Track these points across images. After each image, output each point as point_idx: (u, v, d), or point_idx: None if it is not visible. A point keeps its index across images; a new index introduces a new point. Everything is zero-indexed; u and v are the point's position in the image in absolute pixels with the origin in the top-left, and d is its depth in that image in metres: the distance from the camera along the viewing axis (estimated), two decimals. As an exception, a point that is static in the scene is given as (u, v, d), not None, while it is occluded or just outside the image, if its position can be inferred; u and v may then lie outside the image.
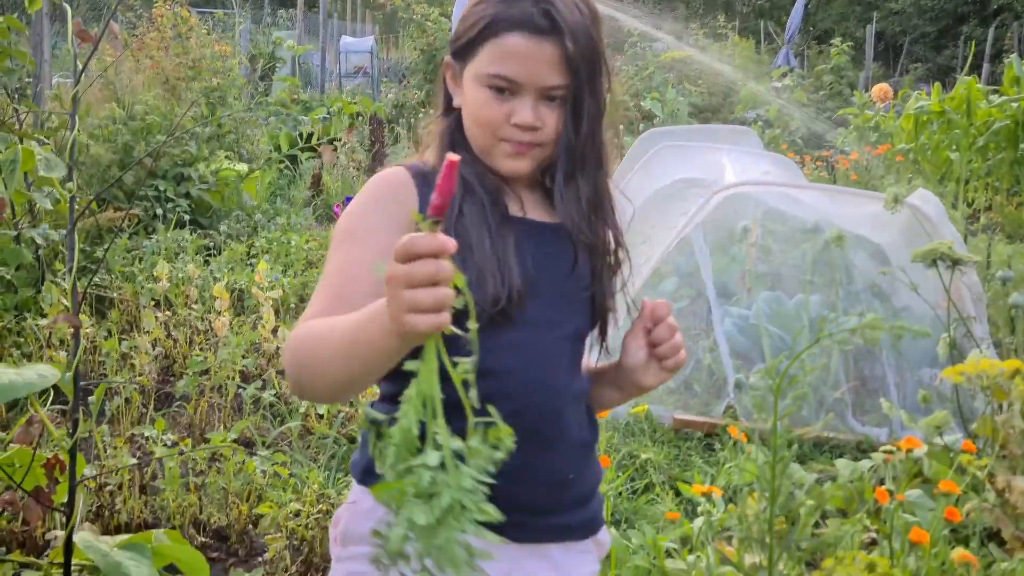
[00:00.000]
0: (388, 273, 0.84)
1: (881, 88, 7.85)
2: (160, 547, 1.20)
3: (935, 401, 2.61)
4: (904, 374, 3.29)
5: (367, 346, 0.96)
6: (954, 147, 6.66)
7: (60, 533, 1.92)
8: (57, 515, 2.21)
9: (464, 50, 1.23)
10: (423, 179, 1.20)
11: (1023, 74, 6.65)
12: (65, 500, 1.20)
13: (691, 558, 1.60)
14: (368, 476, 1.23)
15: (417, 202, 1.18)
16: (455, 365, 0.80)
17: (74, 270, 1.13)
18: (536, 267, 1.18)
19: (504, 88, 1.19)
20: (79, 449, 1.25)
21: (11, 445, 1.28)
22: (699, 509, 1.64)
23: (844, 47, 9.83)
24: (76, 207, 1.17)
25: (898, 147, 6.99)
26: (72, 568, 1.26)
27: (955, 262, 1.81)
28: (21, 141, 3.77)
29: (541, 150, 1.21)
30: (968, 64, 8.00)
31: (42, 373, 1.05)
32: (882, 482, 1.79)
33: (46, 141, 4.05)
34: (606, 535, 1.32)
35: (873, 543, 1.88)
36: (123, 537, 1.24)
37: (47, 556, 1.50)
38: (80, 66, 1.14)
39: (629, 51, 11.05)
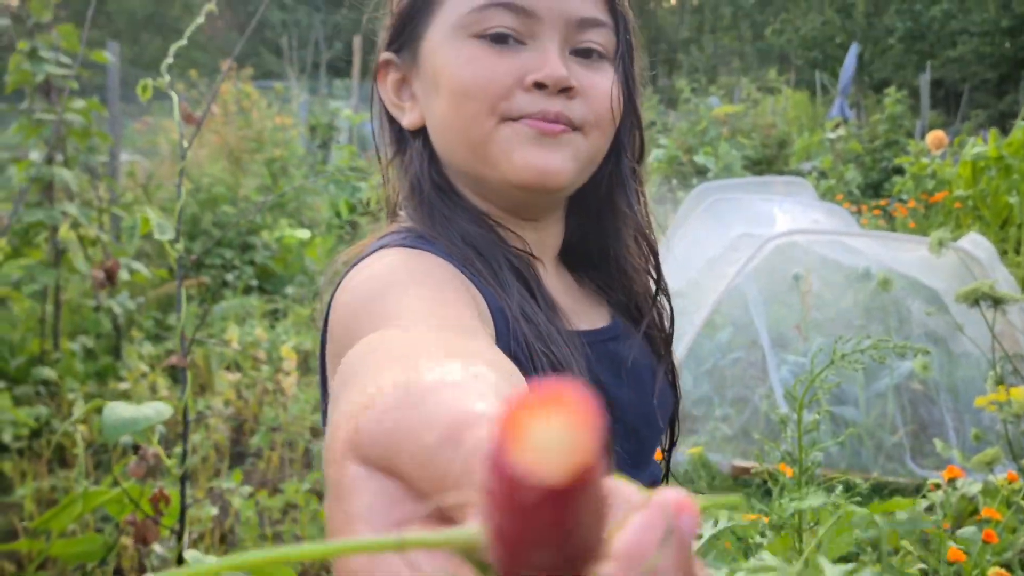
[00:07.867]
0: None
1: (935, 135, 7.82)
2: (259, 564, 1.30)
3: (990, 439, 2.62)
4: (963, 416, 3.28)
5: None
6: (1013, 192, 6.60)
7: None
8: (152, 554, 2.34)
9: (414, 16, 0.74)
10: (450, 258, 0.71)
11: (1080, 116, 6.58)
12: (176, 522, 1.32)
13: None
14: None
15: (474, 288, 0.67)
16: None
17: (182, 318, 1.27)
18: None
19: (508, 34, 0.69)
20: (174, 486, 1.37)
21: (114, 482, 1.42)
22: (751, 542, 1.69)
23: (899, 96, 9.84)
24: (184, 264, 1.32)
25: (956, 194, 6.95)
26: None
27: (996, 301, 1.86)
28: (101, 215, 4.04)
29: (585, 141, 0.71)
30: (1025, 108, 7.94)
31: (158, 409, 1.19)
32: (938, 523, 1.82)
33: (123, 214, 4.31)
34: None
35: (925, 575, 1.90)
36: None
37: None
38: (185, 144, 1.30)
39: (683, 107, 11.20)
